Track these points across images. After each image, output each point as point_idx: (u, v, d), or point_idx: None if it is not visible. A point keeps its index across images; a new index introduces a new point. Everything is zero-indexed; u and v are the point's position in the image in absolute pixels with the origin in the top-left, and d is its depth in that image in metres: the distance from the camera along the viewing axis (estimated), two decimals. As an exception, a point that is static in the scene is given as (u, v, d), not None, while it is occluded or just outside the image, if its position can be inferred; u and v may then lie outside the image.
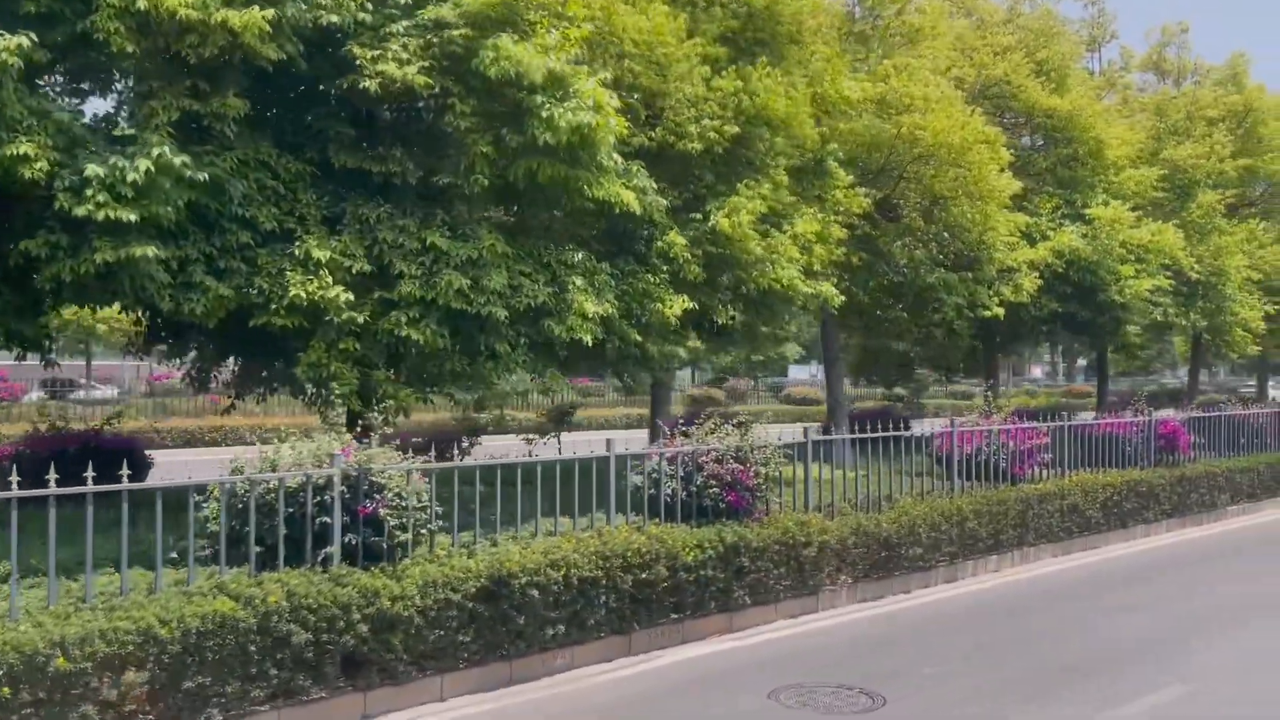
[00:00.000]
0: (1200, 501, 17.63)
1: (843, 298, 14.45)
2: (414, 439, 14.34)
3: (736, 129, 12.26)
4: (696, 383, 68.56)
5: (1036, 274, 18.15)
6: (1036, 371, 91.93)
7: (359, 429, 11.39)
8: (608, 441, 10.21)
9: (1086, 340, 20.37)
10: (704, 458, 10.68)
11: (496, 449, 13.45)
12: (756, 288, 12.70)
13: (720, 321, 14.80)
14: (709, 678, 9.02)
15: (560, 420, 17.88)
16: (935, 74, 16.74)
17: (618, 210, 11.04)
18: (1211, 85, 25.81)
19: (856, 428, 16.15)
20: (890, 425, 14.25)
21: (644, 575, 9.55)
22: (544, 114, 9.67)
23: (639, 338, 11.56)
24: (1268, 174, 25.03)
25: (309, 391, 10.21)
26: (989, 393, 20.92)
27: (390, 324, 9.78)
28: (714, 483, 10.60)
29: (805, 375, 72.78)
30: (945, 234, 17.49)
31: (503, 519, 9.32)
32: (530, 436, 17.08)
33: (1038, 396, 42.69)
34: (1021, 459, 14.52)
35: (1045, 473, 15.24)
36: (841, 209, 15.91)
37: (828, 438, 12.41)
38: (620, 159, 11.00)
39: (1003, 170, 17.12)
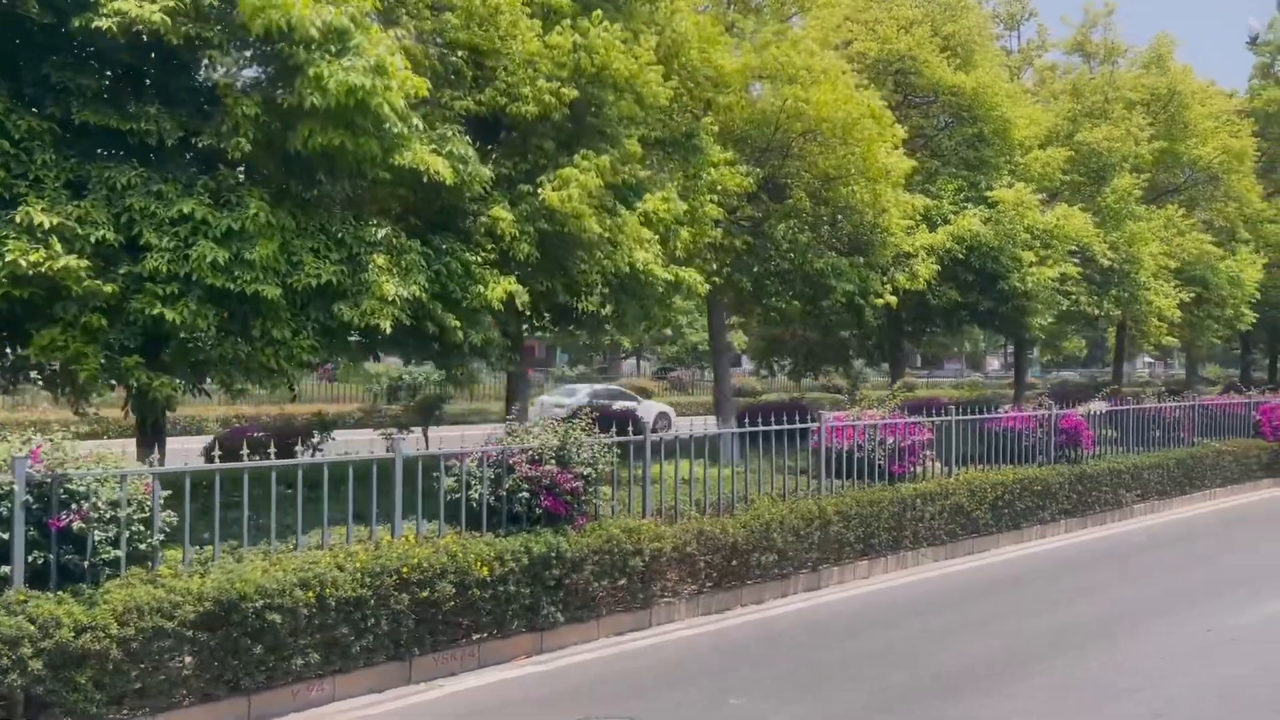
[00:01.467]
0: (1103, 500, 16.74)
1: (708, 286, 13.31)
2: (257, 433, 13.16)
3: (575, 92, 11.07)
4: (643, 373, 67.66)
5: (935, 260, 17.14)
6: (995, 363, 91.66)
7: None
8: (393, 441, 9.03)
9: (993, 331, 19.40)
10: (515, 459, 9.53)
11: (355, 445, 12.17)
12: (603, 270, 11.55)
13: (582, 307, 13.72)
14: (486, 710, 7.88)
15: (428, 413, 16.66)
16: (823, 45, 15.63)
17: (425, 180, 9.87)
18: (1137, 68, 25.00)
19: (747, 422, 15.25)
20: (791, 420, 13.11)
21: (425, 594, 8.39)
22: (312, 73, 8.45)
23: (456, 323, 10.36)
24: (1191, 159, 24.27)
25: (56, 380, 8.91)
26: (893, 384, 20.00)
27: (142, 302, 8.52)
28: (525, 486, 9.46)
29: (751, 365, 71.74)
30: (839, 216, 16.44)
31: (261, 531, 8.16)
32: (389, 431, 15.89)
33: (963, 388, 41.92)
34: (901, 456, 13.50)
35: (937, 469, 14.28)
36: (719, 188, 14.82)
37: (667, 435, 11.27)
38: (423, 122, 9.82)
39: (896, 148, 16.08)
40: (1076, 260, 18.70)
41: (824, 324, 20.98)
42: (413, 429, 16.20)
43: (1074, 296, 19.28)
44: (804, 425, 12.82)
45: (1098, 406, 18.63)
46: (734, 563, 11.05)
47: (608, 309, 13.84)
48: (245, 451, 9.09)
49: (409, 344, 11.16)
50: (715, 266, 15.88)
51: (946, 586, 12.27)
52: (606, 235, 11.43)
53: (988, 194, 17.69)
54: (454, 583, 8.54)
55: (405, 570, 8.27)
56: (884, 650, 9.45)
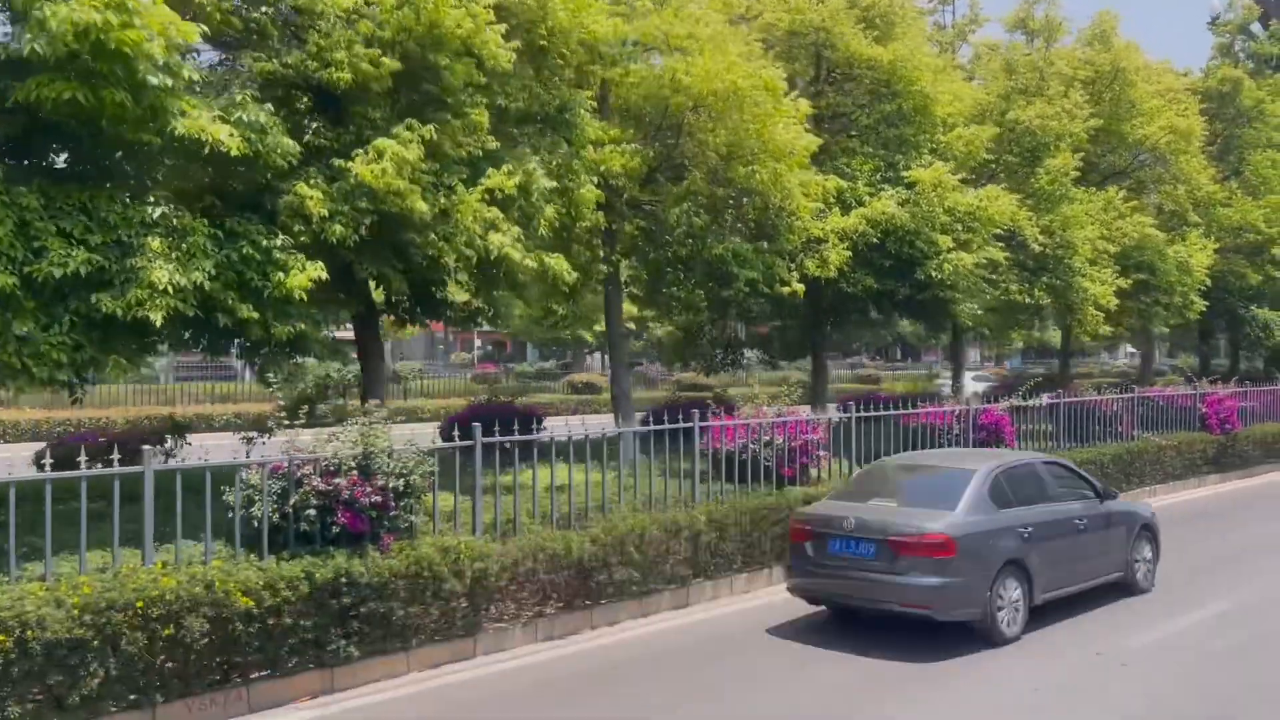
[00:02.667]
0: (1028, 500, 15.62)
1: (575, 274, 12.13)
2: (100, 439, 11.89)
3: (396, 63, 9.85)
4: (605, 368, 66.46)
5: (849, 245, 15.99)
6: (974, 355, 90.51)
7: None
8: (144, 452, 7.79)
9: (917, 320, 18.23)
10: (303, 469, 8.33)
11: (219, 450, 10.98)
12: (440, 254, 10.34)
13: (443, 296, 12.60)
14: (226, 771, 6.69)
15: (298, 414, 15.31)
16: (719, 9, 14.44)
17: (207, 152, 8.63)
18: (1081, 45, 23.92)
19: (651, 421, 14.09)
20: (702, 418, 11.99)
21: (169, 631, 7.17)
22: (34, 16, 7.22)
23: (253, 314, 9.13)
24: (1137, 139, 23.17)
25: None
26: (815, 376, 18.91)
27: None
28: (314, 500, 8.26)
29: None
30: (744, 199, 15.25)
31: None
32: (249, 435, 14.61)
33: (901, 381, 40.91)
34: (791, 457, 12.34)
35: (844, 469, 13.16)
36: (603, 168, 13.64)
37: (500, 439, 10.05)
38: (198, 80, 8.62)
39: (799, 124, 14.92)
40: (1002, 245, 17.55)
41: (744, 315, 19.90)
42: (269, 433, 14.86)
43: (1003, 284, 18.15)
44: (679, 425, 11.68)
45: (1042, 400, 17.58)
46: (586, 581, 9.88)
47: (479, 299, 12.77)
48: (47, 462, 7.90)
49: (201, 339, 9.94)
50: (604, 253, 14.73)
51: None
52: (442, 214, 10.22)
53: (904, 174, 16.51)
54: (208, 617, 7.33)
55: (141, 604, 7.05)
56: (721, 684, 8.31)
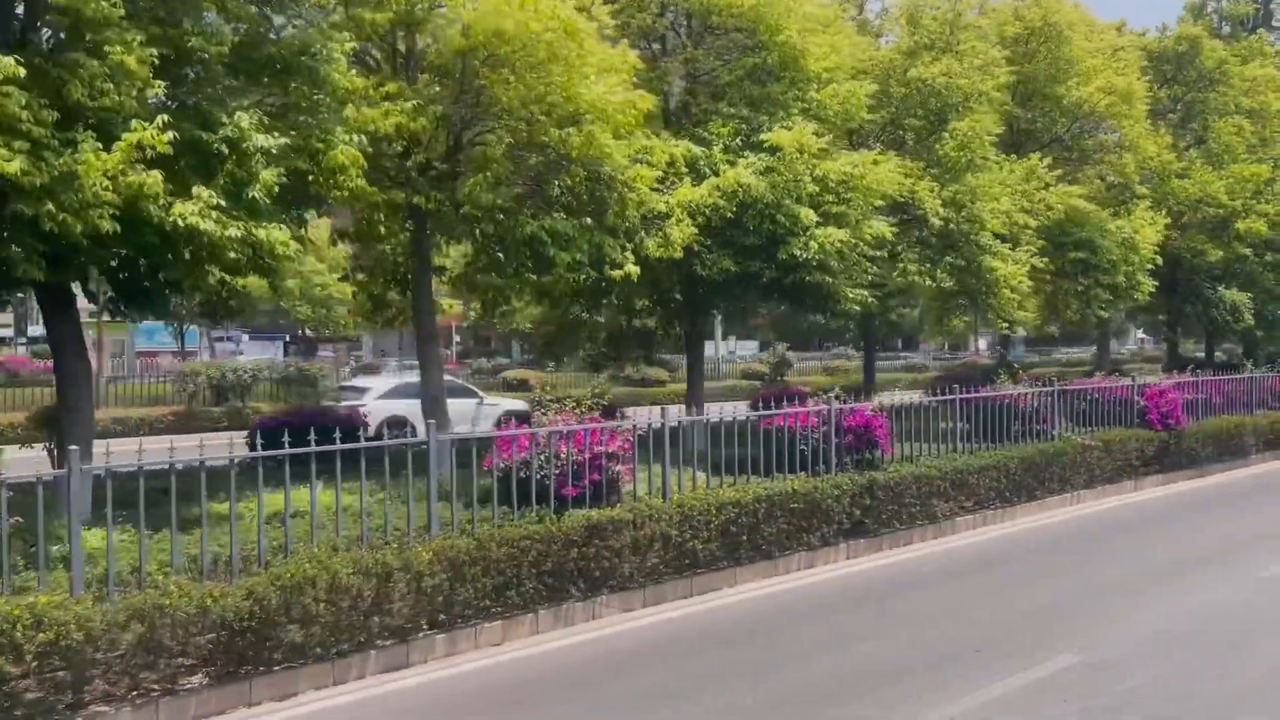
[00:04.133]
0: (908, 515, 13.34)
1: (289, 240, 9.89)
2: None
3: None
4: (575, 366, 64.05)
5: (701, 220, 13.73)
6: (981, 344, 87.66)
7: None
8: None
9: (794, 306, 15.88)
10: None
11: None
12: (56, 228, 8.17)
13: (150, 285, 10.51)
14: None
15: (54, 425, 13.22)
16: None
17: None
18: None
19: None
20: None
21: None
22: None
23: None
24: (1073, 101, 20.77)
25: None
26: (690, 371, 16.75)
27: None
28: None
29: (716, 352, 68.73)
30: (570, 167, 13.00)
31: None
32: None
33: (818, 374, 38.54)
34: (577, 474, 10.12)
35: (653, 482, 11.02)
36: (373, 129, 11.46)
37: (108, 466, 7.89)
38: None
39: (628, 78, 12.69)
40: (893, 220, 15.23)
41: (626, 307, 17.74)
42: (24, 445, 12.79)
43: (901, 264, 15.85)
44: (415, 441, 9.53)
45: (952, 396, 15.34)
46: (249, 645, 7.70)
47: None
48: None
49: None
50: (385, 229, 12.56)
51: (594, 653, 8.98)
52: (71, 177, 8.05)
53: (763, 138, 14.18)
54: None
55: None
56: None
